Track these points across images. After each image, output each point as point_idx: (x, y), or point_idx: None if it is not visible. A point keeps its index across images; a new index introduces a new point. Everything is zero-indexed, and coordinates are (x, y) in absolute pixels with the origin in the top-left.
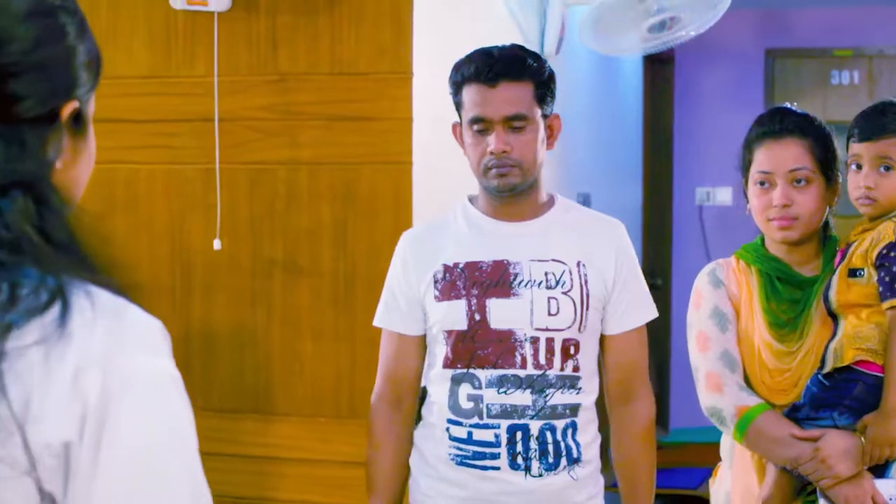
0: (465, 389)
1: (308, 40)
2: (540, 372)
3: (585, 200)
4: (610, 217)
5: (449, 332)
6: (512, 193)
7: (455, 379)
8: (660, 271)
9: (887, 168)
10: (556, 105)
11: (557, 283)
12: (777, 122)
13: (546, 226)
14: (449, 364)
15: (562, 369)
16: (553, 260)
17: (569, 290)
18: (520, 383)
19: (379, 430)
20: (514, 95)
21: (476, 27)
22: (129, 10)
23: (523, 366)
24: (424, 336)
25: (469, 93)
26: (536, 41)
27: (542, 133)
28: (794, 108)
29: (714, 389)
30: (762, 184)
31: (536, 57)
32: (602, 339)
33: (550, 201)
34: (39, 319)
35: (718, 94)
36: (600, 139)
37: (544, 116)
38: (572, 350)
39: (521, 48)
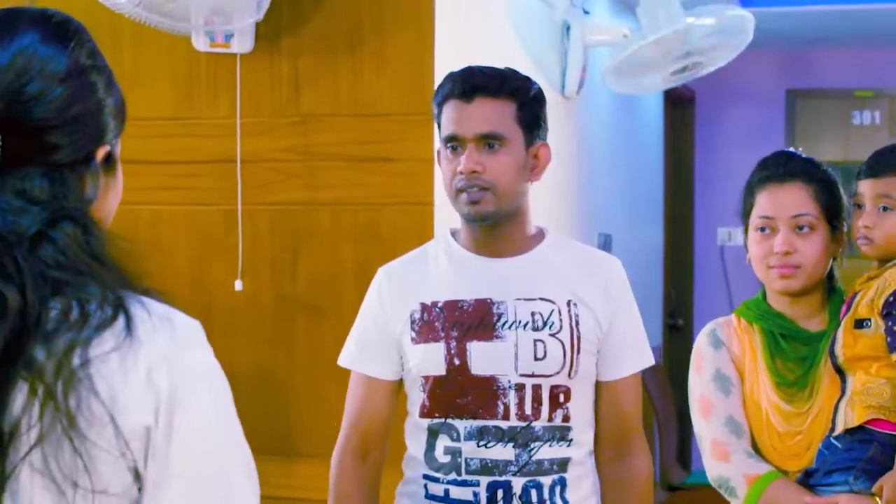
0: (442, 441)
1: (330, 82)
2: (524, 423)
3: (607, 241)
4: (605, 253)
5: (426, 378)
6: (489, 224)
7: (431, 430)
8: (681, 312)
9: (885, 208)
10: (576, 144)
11: (545, 324)
12: (781, 166)
13: (534, 262)
14: (425, 413)
15: (550, 419)
16: (541, 299)
17: (557, 332)
18: (501, 436)
19: (343, 484)
20: (489, 112)
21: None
22: (153, 52)
23: (506, 416)
24: (398, 382)
25: (446, 111)
26: (558, 82)
27: (522, 158)
28: (799, 152)
29: (720, 458)
30: (763, 229)
31: (524, 78)
32: (596, 386)
33: (540, 235)
34: (110, 330)
35: (739, 134)
36: (621, 179)
37: (529, 143)
38: (562, 398)
39: (512, 70)
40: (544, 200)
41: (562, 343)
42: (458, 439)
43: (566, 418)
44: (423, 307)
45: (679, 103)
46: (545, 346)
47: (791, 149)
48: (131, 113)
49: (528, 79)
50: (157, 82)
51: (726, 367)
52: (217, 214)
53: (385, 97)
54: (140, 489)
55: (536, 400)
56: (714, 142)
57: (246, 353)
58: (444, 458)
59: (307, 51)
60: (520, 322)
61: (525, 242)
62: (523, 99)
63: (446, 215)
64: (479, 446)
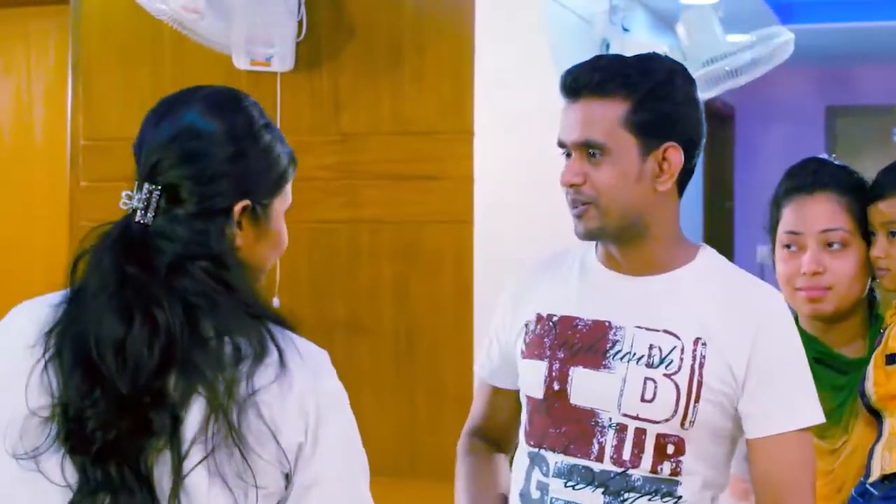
0: (535, 475)
1: (370, 100)
2: (619, 469)
3: None
4: (765, 285)
5: (528, 399)
6: (604, 241)
7: (530, 457)
8: None
9: (894, 234)
10: None
11: (662, 361)
12: (809, 175)
13: (668, 286)
14: (526, 437)
15: (653, 471)
16: (664, 331)
17: (674, 373)
18: (591, 479)
19: (462, 457)
20: (589, 115)
21: (538, 85)
22: (193, 70)
23: (599, 458)
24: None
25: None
26: None
27: (634, 168)
28: (831, 159)
29: (740, 496)
30: (789, 246)
31: (651, 69)
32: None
33: (690, 254)
34: (270, 363)
35: (779, 151)
36: None
37: (649, 148)
38: (671, 449)
39: (644, 58)
40: None
41: (676, 386)
42: (547, 474)
43: (675, 472)
44: (539, 318)
45: (719, 120)
46: (655, 387)
47: (822, 155)
48: None
49: (657, 69)
50: None
51: None
52: None
53: (425, 115)
54: (286, 487)
55: (638, 446)
56: (754, 159)
57: None
58: (535, 494)
59: (347, 69)
60: (634, 354)
61: (666, 261)
62: (640, 96)
63: (487, 233)
64: (566, 486)
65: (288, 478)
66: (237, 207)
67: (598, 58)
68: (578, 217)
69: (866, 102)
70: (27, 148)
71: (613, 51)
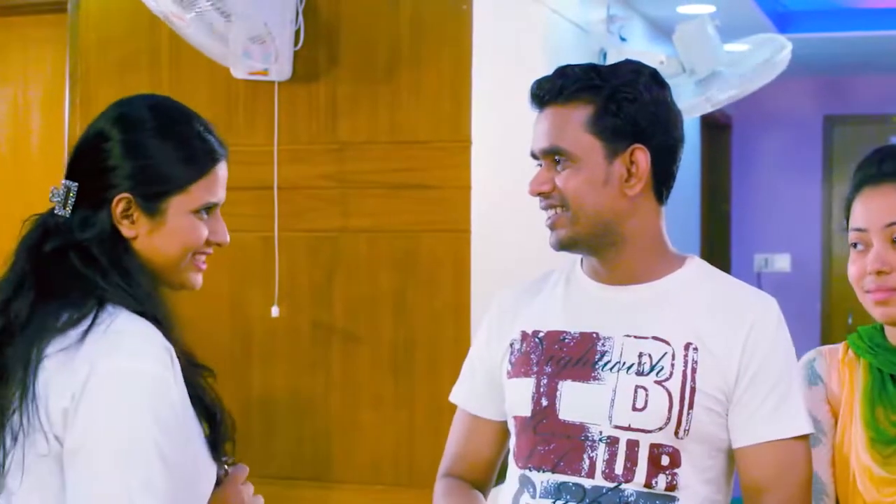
0: (522, 499)
1: (367, 109)
2: (612, 485)
3: None
4: (759, 292)
5: (515, 419)
6: (581, 252)
7: (519, 481)
8: None
9: None
10: None
11: (652, 368)
12: (875, 165)
13: (658, 293)
14: (514, 460)
15: (648, 485)
16: (654, 338)
17: (665, 380)
18: (582, 496)
19: (445, 497)
20: (554, 123)
21: None
22: (191, 79)
23: (590, 474)
24: (504, 423)
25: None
26: None
27: (601, 172)
28: None
29: None
30: (856, 245)
31: (612, 72)
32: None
33: (677, 263)
34: (67, 334)
35: (776, 160)
36: None
37: (615, 151)
38: (665, 461)
39: (616, 63)
40: None
41: (668, 393)
42: (534, 496)
43: (671, 487)
44: (524, 336)
45: (716, 129)
46: (647, 395)
47: None
48: None
49: (621, 71)
50: (195, 109)
51: (818, 410)
52: (255, 241)
53: (422, 124)
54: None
55: (631, 458)
56: (751, 168)
57: (283, 379)
58: None
59: (345, 78)
60: (624, 363)
61: (652, 269)
62: (603, 99)
63: (484, 242)
64: None
65: (59, 441)
66: (115, 200)
67: (565, 67)
68: (551, 227)
69: (863, 112)
70: (24, 156)
71: (611, 60)
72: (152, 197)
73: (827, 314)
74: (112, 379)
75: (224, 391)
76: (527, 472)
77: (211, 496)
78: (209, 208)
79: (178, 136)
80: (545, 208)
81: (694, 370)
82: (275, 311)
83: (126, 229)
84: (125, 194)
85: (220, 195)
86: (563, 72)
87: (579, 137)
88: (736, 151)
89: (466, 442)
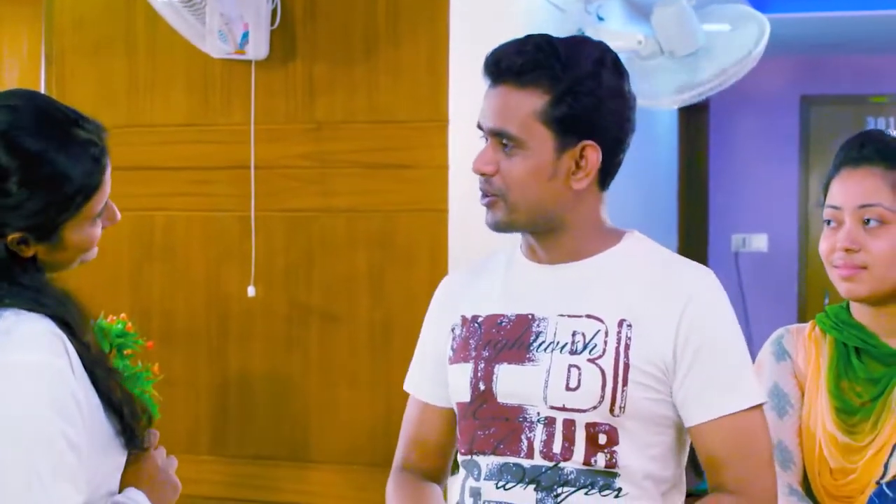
0: (468, 482)
1: (345, 89)
2: (550, 464)
3: None
4: (695, 264)
5: (458, 406)
6: (510, 231)
7: (465, 466)
8: None
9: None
10: None
11: (585, 347)
12: (856, 148)
13: (590, 270)
14: (459, 447)
15: (587, 463)
16: (587, 316)
17: (598, 358)
18: (522, 476)
19: (392, 494)
20: (506, 104)
21: None
22: (168, 58)
23: (529, 454)
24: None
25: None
26: None
27: (547, 164)
28: (888, 131)
29: None
30: (829, 222)
31: (577, 58)
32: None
33: (614, 239)
34: None
35: (754, 141)
36: (635, 187)
37: (565, 146)
38: (602, 439)
39: (572, 44)
40: None
41: (601, 371)
42: (478, 478)
43: (611, 465)
44: (464, 321)
45: (693, 110)
46: (580, 374)
47: (883, 128)
48: (145, 119)
49: (584, 59)
50: (171, 89)
51: (786, 383)
52: (231, 221)
53: (400, 104)
54: None
55: (568, 438)
56: (728, 148)
57: (260, 359)
58: (468, 502)
59: (322, 58)
60: (557, 343)
61: (588, 247)
62: (560, 90)
63: (461, 222)
64: (497, 487)
65: None
66: (9, 239)
67: (526, 39)
68: (487, 207)
69: (841, 92)
70: None
71: None
72: (45, 231)
73: (804, 293)
74: (3, 373)
75: (200, 371)
76: (472, 457)
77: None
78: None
79: (59, 171)
80: (483, 189)
81: (627, 346)
82: (251, 291)
83: (24, 252)
84: (16, 235)
85: (108, 191)
86: (524, 48)
87: (531, 126)
88: (713, 132)
89: (418, 429)
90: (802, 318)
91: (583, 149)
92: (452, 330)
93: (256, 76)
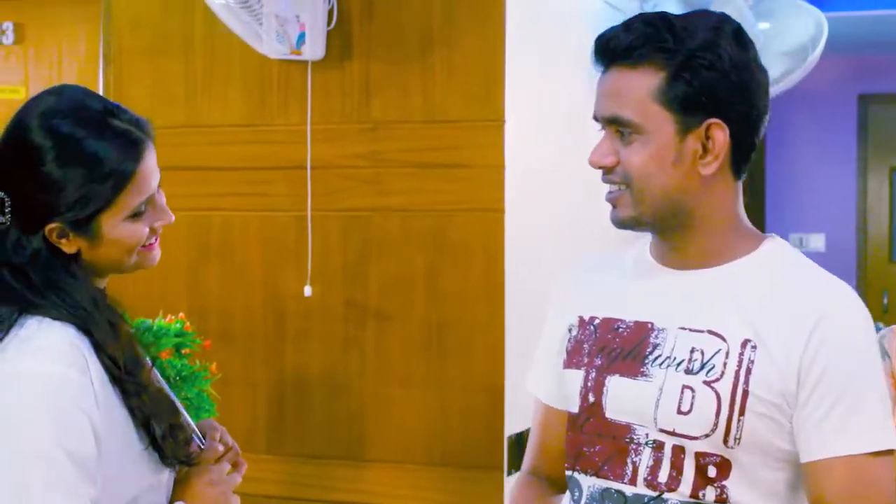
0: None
1: (400, 88)
2: (654, 493)
3: None
4: (836, 281)
5: (568, 415)
6: (636, 230)
7: (570, 483)
8: None
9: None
10: None
11: (703, 366)
12: None
13: (721, 279)
14: (566, 459)
15: (694, 496)
16: (709, 332)
17: (714, 381)
18: (623, 503)
19: (517, 500)
20: (618, 88)
21: (568, 73)
22: (225, 59)
23: (632, 481)
24: None
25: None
26: None
27: (670, 148)
28: None
29: None
30: None
31: (692, 32)
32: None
33: (752, 245)
34: None
35: (811, 140)
36: None
37: (688, 126)
38: (713, 472)
39: (688, 19)
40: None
41: (717, 396)
42: (579, 501)
43: (721, 500)
44: (581, 322)
45: None
46: (693, 397)
47: None
48: (202, 120)
49: (700, 29)
50: (228, 89)
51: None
52: (288, 220)
53: (455, 103)
54: None
55: (676, 467)
56: (785, 147)
57: (316, 358)
58: None
59: (378, 57)
60: (674, 359)
61: (721, 252)
62: (675, 65)
63: (518, 222)
64: None
65: None
66: (47, 230)
67: (636, 18)
68: (612, 203)
69: None
70: None
71: None
72: (81, 222)
73: (862, 293)
74: (8, 381)
75: (258, 370)
76: (574, 474)
77: (175, 483)
78: (146, 202)
79: (91, 152)
80: (606, 182)
81: (749, 371)
82: (307, 291)
83: (66, 247)
84: (55, 224)
85: (152, 186)
86: (633, 25)
87: (647, 107)
88: (770, 131)
89: (542, 433)
90: None
91: (708, 128)
92: (569, 330)
93: (313, 76)
